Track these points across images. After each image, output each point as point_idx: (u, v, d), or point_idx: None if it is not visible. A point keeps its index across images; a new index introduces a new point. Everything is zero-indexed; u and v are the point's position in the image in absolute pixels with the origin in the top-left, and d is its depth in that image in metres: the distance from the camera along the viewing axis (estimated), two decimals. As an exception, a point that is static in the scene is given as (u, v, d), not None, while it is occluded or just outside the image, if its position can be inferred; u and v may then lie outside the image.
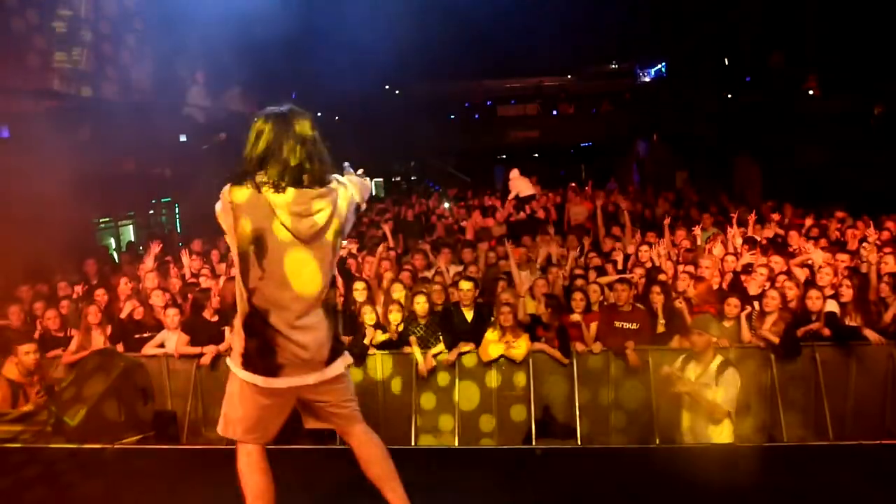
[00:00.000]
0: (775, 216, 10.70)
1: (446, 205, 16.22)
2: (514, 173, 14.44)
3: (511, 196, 13.95)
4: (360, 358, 6.76)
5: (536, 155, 28.44)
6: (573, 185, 17.63)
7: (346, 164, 3.14)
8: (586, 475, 3.72)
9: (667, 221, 9.24)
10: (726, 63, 21.38)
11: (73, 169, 9.20)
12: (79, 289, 8.16)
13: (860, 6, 13.71)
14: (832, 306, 6.55)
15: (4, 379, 5.85)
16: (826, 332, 6.46)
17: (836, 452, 4.59)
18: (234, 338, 2.92)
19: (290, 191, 2.73)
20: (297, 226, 2.72)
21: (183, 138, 12.21)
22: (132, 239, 13.57)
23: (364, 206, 3.09)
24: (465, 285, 6.84)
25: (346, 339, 6.82)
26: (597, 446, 6.12)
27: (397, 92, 29.18)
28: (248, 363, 2.85)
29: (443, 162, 30.16)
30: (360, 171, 3.18)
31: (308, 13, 15.27)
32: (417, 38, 18.27)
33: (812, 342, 6.49)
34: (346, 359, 3.03)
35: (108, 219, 13.28)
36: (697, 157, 22.44)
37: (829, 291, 6.76)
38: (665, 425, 5.98)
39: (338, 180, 2.89)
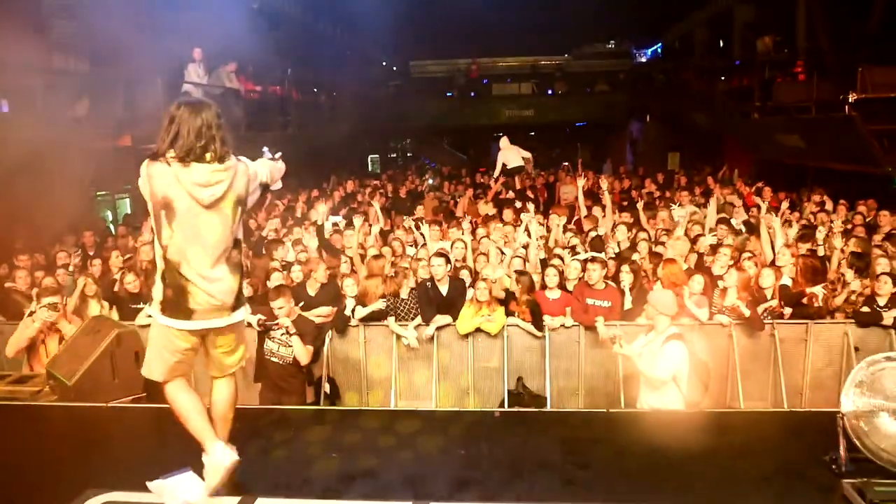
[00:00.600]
0: (758, 200, 11.00)
1: (430, 180, 16.45)
2: (504, 142, 14.26)
3: (498, 170, 14.04)
4: (342, 329, 7.10)
5: (532, 133, 28.65)
6: (566, 164, 17.96)
7: (265, 148, 3.68)
8: (536, 434, 4.08)
9: (640, 204, 9.54)
10: (721, 45, 21.54)
11: (71, 143, 9.47)
12: (76, 259, 8.48)
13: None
14: (786, 281, 6.95)
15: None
16: (781, 305, 6.84)
17: (782, 418, 4.89)
18: (155, 290, 3.39)
19: (194, 165, 3.23)
20: (198, 194, 3.22)
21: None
22: (129, 212, 13.84)
23: (276, 184, 3.67)
24: (437, 261, 7.15)
25: (329, 309, 7.19)
26: (548, 410, 6.53)
27: (394, 69, 29.27)
28: (166, 309, 3.32)
29: (438, 139, 30.35)
30: (277, 154, 3.70)
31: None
32: (415, 15, 18.41)
33: (772, 320, 6.86)
34: (247, 309, 3.57)
35: (105, 192, 13.53)
36: (690, 139, 22.66)
37: (787, 270, 7.13)
38: (629, 394, 6.35)
39: (239, 160, 3.39)
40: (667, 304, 5.43)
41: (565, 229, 9.48)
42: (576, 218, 10.67)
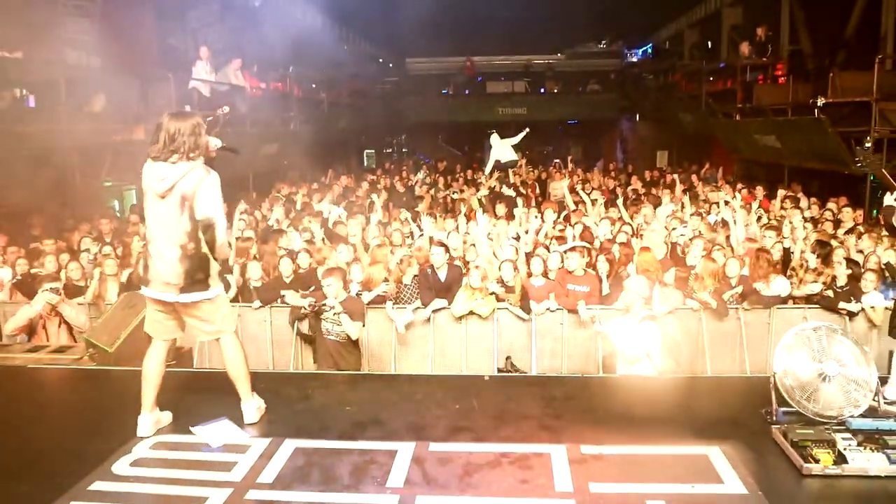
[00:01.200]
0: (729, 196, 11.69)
1: (422, 176, 17.01)
2: (494, 139, 14.46)
3: (489, 168, 14.56)
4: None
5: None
6: (557, 162, 18.65)
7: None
8: (519, 393, 4.73)
9: (622, 199, 10.24)
10: (709, 47, 22.18)
11: (87, 135, 10.05)
12: (96, 245, 9.08)
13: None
14: (745, 272, 7.66)
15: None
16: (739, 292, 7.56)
17: (733, 382, 5.53)
18: None
19: (160, 163, 3.90)
20: (154, 186, 3.91)
21: (188, 109, 12.98)
22: (134, 202, 14.40)
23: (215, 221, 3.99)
24: (436, 249, 7.84)
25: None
26: (533, 374, 7.29)
27: (391, 66, 29.78)
28: (141, 277, 4.14)
29: (433, 135, 30.89)
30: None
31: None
32: (411, 14, 18.94)
33: (737, 306, 7.55)
34: (207, 294, 4.08)
35: (111, 182, 14.04)
36: (678, 138, 23.31)
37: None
38: (608, 372, 7.01)
39: (207, 170, 3.95)
40: (642, 289, 6.08)
41: (554, 223, 10.14)
42: (565, 213, 11.34)
